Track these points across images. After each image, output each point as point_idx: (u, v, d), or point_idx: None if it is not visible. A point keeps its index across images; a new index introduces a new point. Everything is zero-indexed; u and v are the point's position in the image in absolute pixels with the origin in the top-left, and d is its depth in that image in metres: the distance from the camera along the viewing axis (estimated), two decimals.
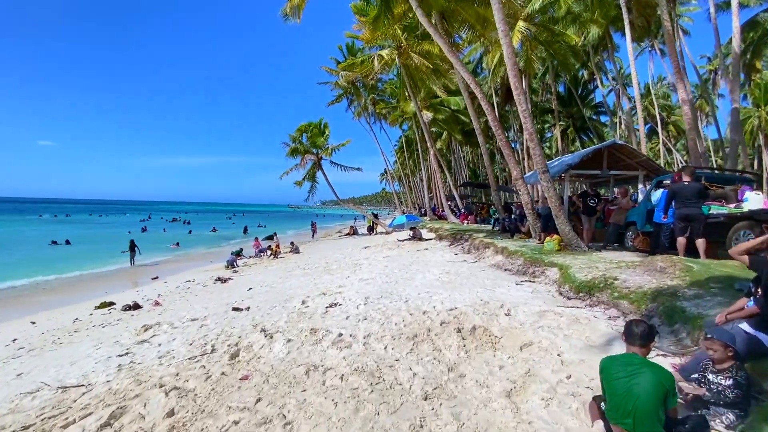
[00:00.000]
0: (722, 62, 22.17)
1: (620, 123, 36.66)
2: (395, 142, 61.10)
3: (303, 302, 7.29)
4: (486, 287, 7.37)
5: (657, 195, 8.36)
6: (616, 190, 12.52)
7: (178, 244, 26.73)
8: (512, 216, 15.92)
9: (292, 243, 20.67)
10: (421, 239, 17.96)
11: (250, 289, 10.39)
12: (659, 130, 36.52)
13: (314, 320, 6.00)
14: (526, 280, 7.99)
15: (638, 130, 23.99)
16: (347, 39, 33.76)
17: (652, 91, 41.97)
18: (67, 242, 27.24)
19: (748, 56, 29.50)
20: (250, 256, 19.44)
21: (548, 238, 9.45)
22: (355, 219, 48.35)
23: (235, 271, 14.66)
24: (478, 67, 40.56)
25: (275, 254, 18.45)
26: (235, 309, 7.33)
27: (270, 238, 34.60)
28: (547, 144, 45.52)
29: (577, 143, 45.03)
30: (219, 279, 12.63)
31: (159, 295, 10.81)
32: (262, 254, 19.46)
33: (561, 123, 38.50)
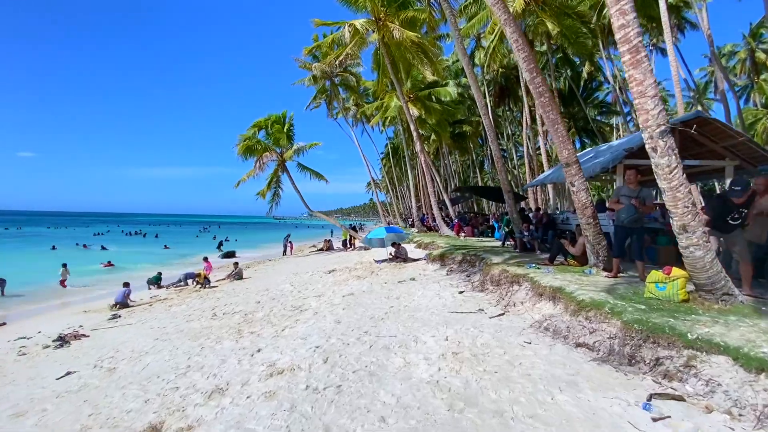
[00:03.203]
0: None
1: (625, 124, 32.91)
2: (381, 150, 56.64)
3: None
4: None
5: None
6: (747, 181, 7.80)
7: (110, 263, 21.29)
8: (533, 229, 11.19)
9: (235, 264, 15.53)
10: (405, 260, 13.07)
11: (29, 397, 5.30)
12: None
13: None
14: (660, 394, 3.17)
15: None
16: (321, 29, 29.21)
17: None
18: None
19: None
20: (169, 285, 14.20)
21: (659, 274, 4.64)
22: (332, 232, 43.22)
23: (114, 318, 9.47)
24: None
25: (201, 284, 13.27)
26: None
27: (229, 255, 29.30)
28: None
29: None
30: (62, 339, 7.47)
31: None
32: (188, 281, 14.27)
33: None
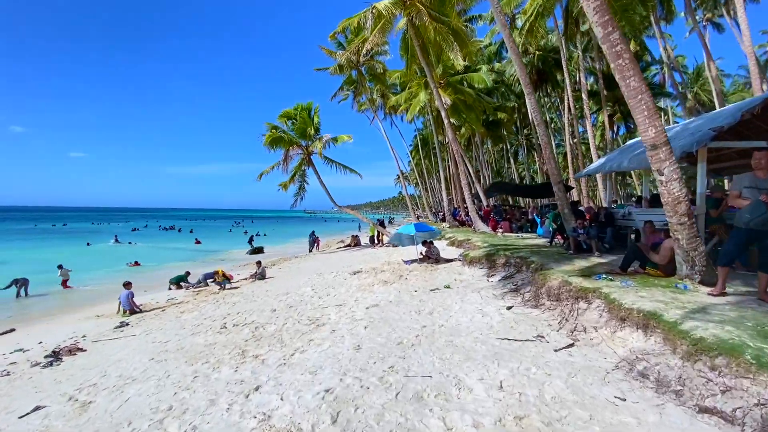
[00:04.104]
0: None
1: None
2: (410, 142, 55.01)
3: None
4: None
5: None
6: None
7: (137, 262, 21.20)
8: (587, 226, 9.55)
9: (258, 263, 14.73)
10: (437, 260, 11.73)
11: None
12: None
13: None
14: None
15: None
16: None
17: (712, 72, 34.70)
18: None
19: None
20: (189, 286, 13.54)
21: None
22: (360, 227, 42.22)
23: (122, 326, 8.74)
24: (502, 48, 34.33)
25: (221, 284, 12.50)
26: None
27: (257, 251, 28.89)
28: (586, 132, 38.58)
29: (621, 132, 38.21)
30: (54, 355, 6.73)
31: None
32: (207, 281, 13.58)
33: (606, 108, 31.66)
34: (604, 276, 5.77)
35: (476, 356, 4.29)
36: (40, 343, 7.97)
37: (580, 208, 12.29)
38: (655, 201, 9.13)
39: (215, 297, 11.15)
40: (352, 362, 4.48)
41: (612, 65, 4.99)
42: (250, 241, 31.77)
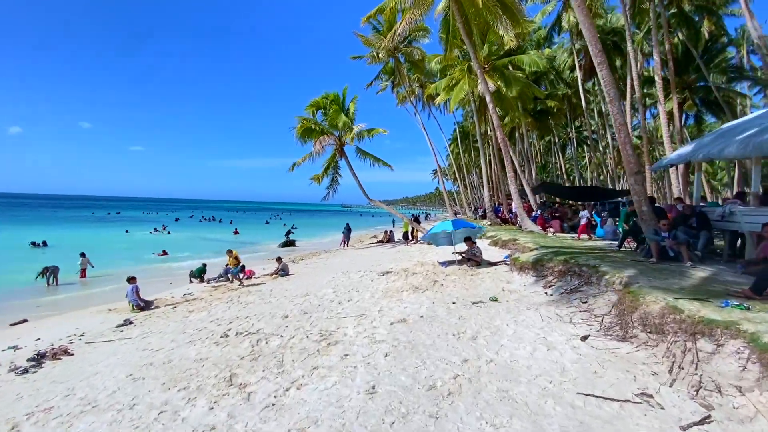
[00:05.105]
0: None
1: None
2: (448, 136, 52.71)
3: None
4: None
5: None
6: None
7: (165, 252, 21.06)
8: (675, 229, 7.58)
9: (278, 260, 13.74)
10: (479, 263, 10.11)
11: None
12: None
13: None
14: None
15: None
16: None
17: None
18: (44, 244, 23.15)
19: None
20: (210, 279, 12.75)
21: None
22: (394, 222, 40.83)
23: (124, 325, 7.91)
24: (553, 31, 31.37)
25: (240, 280, 11.60)
26: None
27: (289, 244, 28.33)
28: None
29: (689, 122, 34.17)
30: (36, 359, 5.91)
31: None
32: (228, 275, 12.75)
33: (677, 95, 28.00)
34: (730, 303, 4.01)
35: (549, 427, 2.77)
36: (38, 340, 7.28)
37: (660, 205, 10.15)
38: None
39: (230, 295, 10.20)
40: (361, 418, 3.11)
41: None
42: (288, 233, 31.29)
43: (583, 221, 12.94)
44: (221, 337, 6.18)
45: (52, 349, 6.29)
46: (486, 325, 5.17)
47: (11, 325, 8.73)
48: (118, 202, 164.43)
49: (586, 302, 5.75)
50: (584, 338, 4.47)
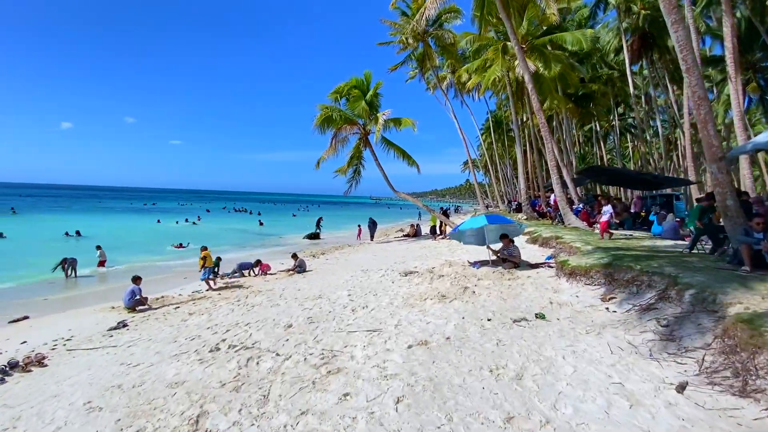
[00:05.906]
0: None
1: None
2: (480, 125, 50.21)
3: None
4: None
5: None
6: None
7: (181, 245, 20.54)
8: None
9: (294, 256, 12.79)
10: (517, 265, 8.73)
11: None
12: None
13: None
14: None
15: None
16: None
17: None
18: (78, 234, 23.53)
19: None
20: (223, 275, 12.01)
21: None
22: (420, 215, 39.32)
23: (116, 329, 7.17)
24: (598, 8, 28.63)
25: (257, 275, 10.80)
26: None
27: (313, 236, 27.59)
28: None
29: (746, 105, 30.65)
30: (6, 369, 5.20)
31: None
32: (243, 272, 11.98)
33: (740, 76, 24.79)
34: None
35: None
36: (23, 343, 6.67)
37: (748, 199, 8.33)
38: None
39: (238, 295, 9.35)
40: None
41: None
42: (318, 224, 30.60)
43: (605, 217, 11.25)
44: (210, 351, 5.25)
45: (27, 358, 5.58)
46: (534, 358, 3.90)
47: (10, 322, 8.25)
48: (156, 193, 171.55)
49: (667, 326, 4.34)
50: (681, 388, 3.13)
